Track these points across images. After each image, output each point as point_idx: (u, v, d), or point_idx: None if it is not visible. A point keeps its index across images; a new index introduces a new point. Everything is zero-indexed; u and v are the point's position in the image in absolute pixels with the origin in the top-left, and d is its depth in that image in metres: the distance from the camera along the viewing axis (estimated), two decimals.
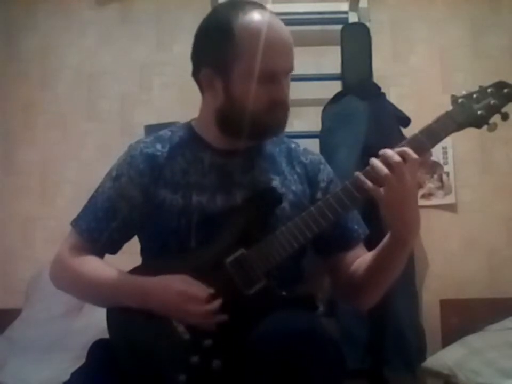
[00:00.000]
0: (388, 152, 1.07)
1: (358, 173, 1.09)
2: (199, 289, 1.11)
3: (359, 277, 1.21)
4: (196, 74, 1.21)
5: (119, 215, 1.23)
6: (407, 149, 1.07)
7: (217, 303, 1.09)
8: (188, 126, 1.30)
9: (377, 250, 1.18)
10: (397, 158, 1.05)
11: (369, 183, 1.07)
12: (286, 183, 1.26)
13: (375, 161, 1.08)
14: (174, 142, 1.27)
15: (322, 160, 1.34)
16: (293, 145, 1.34)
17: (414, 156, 1.06)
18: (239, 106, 1.15)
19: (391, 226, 1.12)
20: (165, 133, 1.30)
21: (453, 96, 1.12)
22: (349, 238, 1.27)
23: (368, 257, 1.21)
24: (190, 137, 1.27)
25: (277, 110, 1.16)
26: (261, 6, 1.18)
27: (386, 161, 1.06)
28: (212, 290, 1.10)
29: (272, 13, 1.17)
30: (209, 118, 1.22)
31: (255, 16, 1.14)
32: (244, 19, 1.13)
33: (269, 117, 1.16)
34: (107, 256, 1.28)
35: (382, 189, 1.07)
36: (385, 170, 1.05)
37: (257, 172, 1.25)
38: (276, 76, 1.14)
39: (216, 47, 1.15)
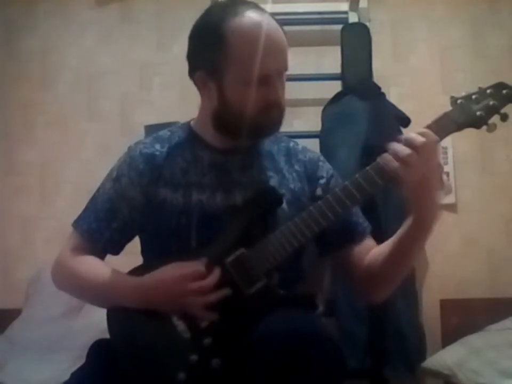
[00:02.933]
0: (411, 134, 1.07)
1: (383, 155, 1.08)
2: (192, 267, 1.11)
3: (377, 267, 1.20)
4: (191, 75, 1.22)
5: (120, 215, 1.24)
6: (427, 130, 1.08)
7: (215, 276, 1.10)
8: (187, 126, 1.31)
9: (396, 237, 1.17)
10: (421, 138, 1.06)
11: (395, 163, 1.06)
12: (284, 182, 1.26)
13: (395, 144, 1.07)
14: (173, 141, 1.28)
15: (322, 157, 1.35)
16: (292, 144, 1.34)
17: (434, 136, 1.07)
18: (233, 109, 1.16)
19: (415, 208, 1.11)
20: (164, 133, 1.31)
21: (452, 97, 1.13)
22: (354, 231, 1.27)
23: (386, 246, 1.20)
24: (189, 136, 1.28)
25: (271, 111, 1.17)
26: (255, 6, 1.17)
27: (410, 144, 1.06)
28: (205, 262, 1.11)
29: (265, 12, 1.17)
30: (207, 118, 1.23)
31: (247, 18, 1.13)
32: (235, 22, 1.13)
33: (263, 118, 1.16)
34: (108, 257, 1.28)
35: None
36: (407, 150, 1.05)
37: (256, 170, 1.25)
38: (269, 78, 1.14)
39: (208, 51, 1.16)
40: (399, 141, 1.07)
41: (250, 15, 1.14)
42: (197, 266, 1.11)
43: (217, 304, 1.10)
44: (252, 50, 1.11)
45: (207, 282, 1.10)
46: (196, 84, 1.22)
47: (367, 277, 1.22)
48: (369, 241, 1.27)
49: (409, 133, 1.08)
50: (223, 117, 1.19)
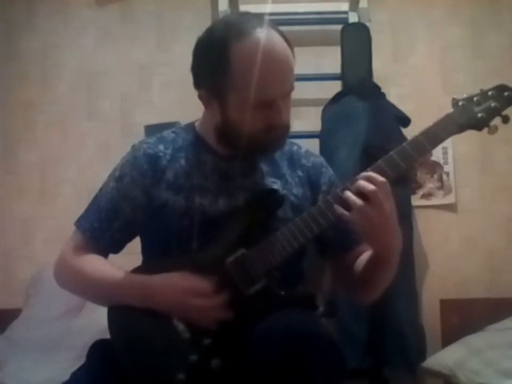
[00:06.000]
0: (360, 183, 1.07)
1: (336, 204, 1.10)
2: (202, 283, 1.11)
3: (359, 275, 1.23)
4: (195, 88, 1.21)
5: (122, 215, 1.24)
6: (371, 174, 1.08)
7: (222, 297, 1.10)
8: (191, 128, 1.31)
9: (367, 259, 1.20)
10: (371, 187, 1.06)
11: (345, 213, 1.07)
12: (287, 187, 1.26)
13: (348, 194, 1.08)
14: (177, 144, 1.28)
15: (324, 163, 1.35)
16: (295, 148, 1.34)
17: (381, 179, 1.07)
18: (236, 129, 1.15)
19: (372, 248, 1.14)
20: (168, 134, 1.31)
21: (453, 99, 1.13)
22: (350, 240, 1.27)
23: (366, 256, 1.22)
24: (193, 139, 1.28)
25: (274, 132, 1.16)
26: (260, 23, 1.12)
27: (359, 192, 1.07)
28: (215, 283, 1.11)
29: (271, 27, 1.12)
30: (210, 126, 1.23)
31: (252, 41, 1.09)
32: (240, 45, 1.09)
33: (266, 138, 1.16)
34: (109, 256, 1.28)
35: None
36: (358, 201, 1.06)
37: (259, 176, 1.26)
38: (273, 102, 1.12)
39: (212, 72, 1.13)
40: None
41: (256, 37, 1.09)
42: (206, 283, 1.11)
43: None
44: (257, 76, 1.08)
45: (212, 303, 1.10)
46: (199, 98, 1.20)
47: (353, 281, 1.25)
48: (362, 247, 1.28)
49: (359, 181, 1.08)
50: (225, 134, 1.19)
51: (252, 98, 1.10)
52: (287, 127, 1.17)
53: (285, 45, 1.13)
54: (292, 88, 1.16)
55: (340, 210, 1.08)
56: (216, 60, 1.12)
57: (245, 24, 1.12)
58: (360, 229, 1.09)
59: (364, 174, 1.09)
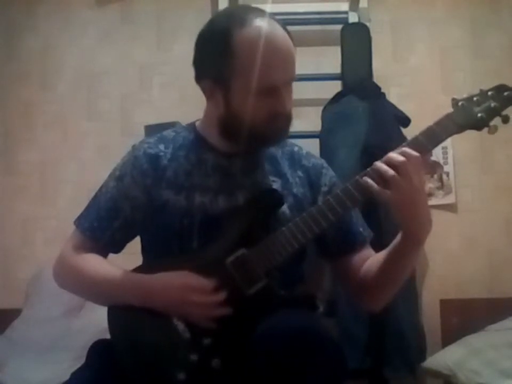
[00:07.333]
0: (391, 154, 1.08)
1: (363, 177, 1.09)
2: (201, 280, 1.11)
3: (371, 278, 1.20)
4: (197, 81, 1.21)
5: (122, 214, 1.24)
6: (406, 148, 1.08)
7: (221, 294, 1.10)
8: (192, 128, 1.31)
9: (388, 251, 1.17)
10: (400, 158, 1.06)
11: (375, 186, 1.07)
12: (288, 186, 1.26)
13: (379, 164, 1.08)
14: (177, 143, 1.28)
15: (325, 164, 1.34)
16: (296, 148, 1.34)
17: (414, 153, 1.07)
18: (240, 118, 1.16)
19: (404, 226, 1.11)
20: (169, 133, 1.31)
21: (453, 99, 1.13)
22: (354, 241, 1.27)
23: (379, 258, 1.20)
24: (194, 138, 1.28)
25: (278, 121, 1.16)
26: (261, 13, 1.16)
27: (391, 163, 1.06)
28: (214, 282, 1.11)
29: (272, 18, 1.15)
30: (212, 122, 1.23)
31: (254, 29, 1.12)
32: (243, 33, 1.11)
33: (269, 128, 1.16)
34: (109, 256, 1.28)
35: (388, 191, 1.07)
36: (391, 171, 1.05)
37: (259, 174, 1.25)
38: (277, 89, 1.13)
39: (216, 61, 1.15)
40: (377, 156, 1.08)
41: (258, 25, 1.12)
42: (205, 281, 1.11)
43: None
44: (260, 63, 1.10)
45: (211, 300, 1.10)
46: (202, 90, 1.21)
47: (362, 286, 1.23)
48: (367, 251, 1.28)
49: (389, 153, 1.08)
50: (229, 125, 1.19)
51: (256, 84, 1.11)
52: (289, 116, 1.18)
53: (285, 33, 1.16)
54: (294, 76, 1.17)
55: (370, 182, 1.07)
56: (220, 48, 1.13)
57: (246, 14, 1.15)
58: (390, 202, 1.07)
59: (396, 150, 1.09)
